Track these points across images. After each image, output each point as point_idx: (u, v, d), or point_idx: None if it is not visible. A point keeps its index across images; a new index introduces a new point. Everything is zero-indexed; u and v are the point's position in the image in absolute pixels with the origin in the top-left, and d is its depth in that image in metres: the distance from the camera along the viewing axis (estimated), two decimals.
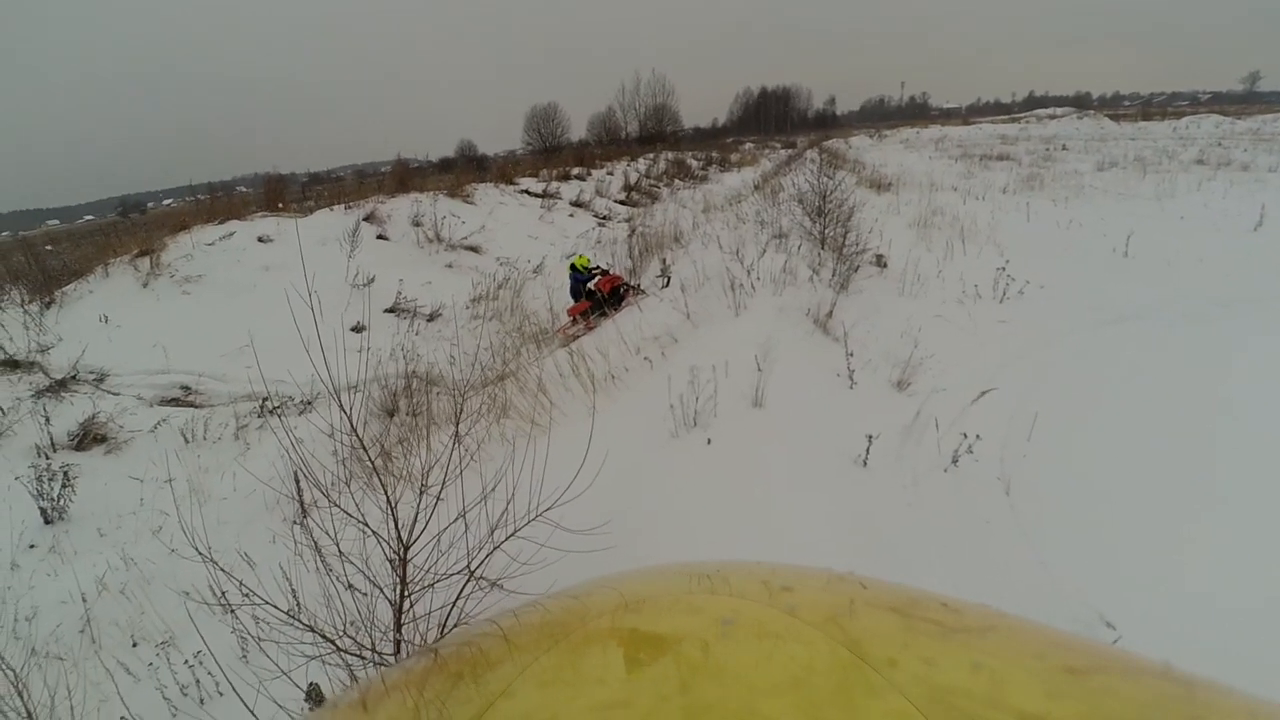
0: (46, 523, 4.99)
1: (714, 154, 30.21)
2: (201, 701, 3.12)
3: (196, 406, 7.10)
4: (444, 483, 2.49)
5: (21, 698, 2.67)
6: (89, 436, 6.10)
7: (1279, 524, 3.28)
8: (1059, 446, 4.14)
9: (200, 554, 2.38)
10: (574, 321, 7.87)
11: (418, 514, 2.54)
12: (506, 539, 2.48)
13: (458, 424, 2.68)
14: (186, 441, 6.35)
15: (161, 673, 3.23)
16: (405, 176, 17.22)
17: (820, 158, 16.37)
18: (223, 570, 2.53)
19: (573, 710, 0.59)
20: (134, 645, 3.89)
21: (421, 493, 2.57)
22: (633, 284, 7.98)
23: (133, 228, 13.52)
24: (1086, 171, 15.23)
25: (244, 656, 3.25)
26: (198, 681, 3.15)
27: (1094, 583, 3.18)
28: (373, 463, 2.59)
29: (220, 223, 11.74)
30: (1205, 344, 5.31)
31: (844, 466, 3.60)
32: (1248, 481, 3.64)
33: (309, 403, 6.77)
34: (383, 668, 2.15)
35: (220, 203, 13.97)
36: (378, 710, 0.74)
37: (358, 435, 2.46)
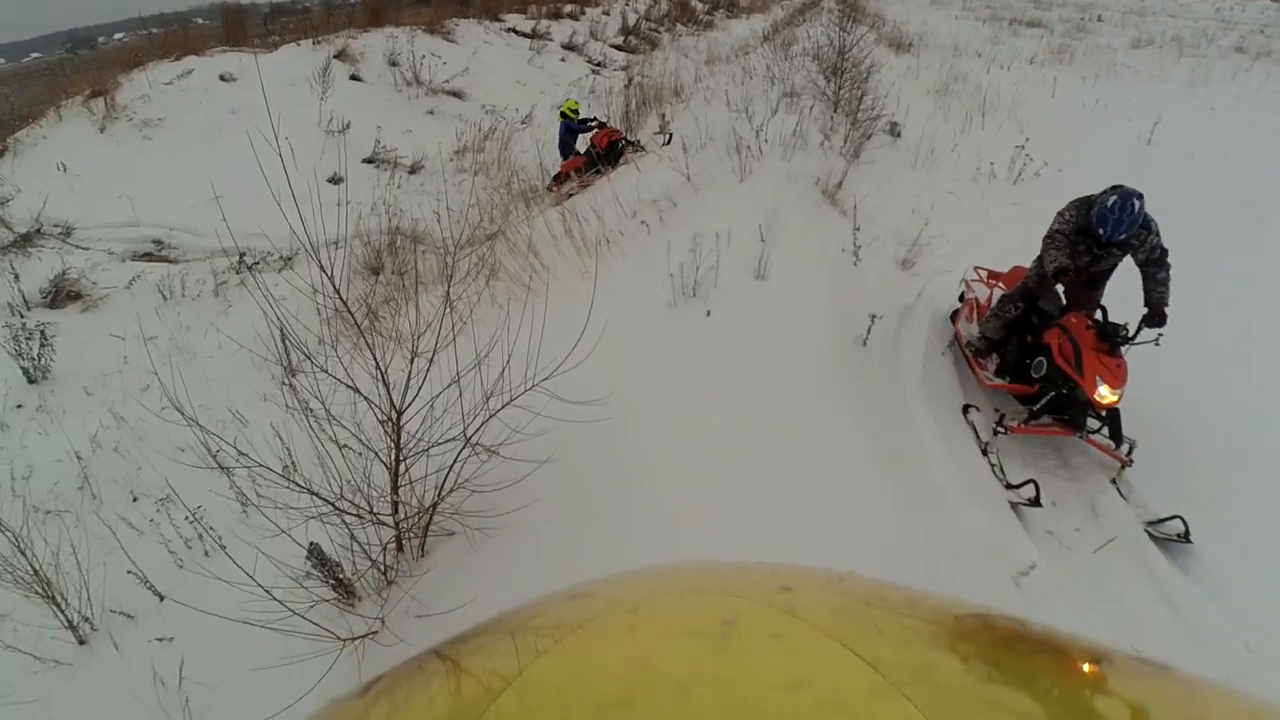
0: (30, 382, 4.92)
1: None
2: (206, 554, 3.21)
3: (171, 261, 6.82)
4: (435, 349, 2.39)
5: (25, 556, 2.71)
6: (62, 294, 5.88)
7: None
8: None
9: (186, 419, 2.31)
10: (567, 178, 7.43)
11: (410, 379, 2.47)
12: (503, 407, 2.43)
13: (449, 287, 2.53)
14: (165, 298, 6.16)
15: (164, 528, 3.30)
16: (379, 8, 15.46)
17: (839, 8, 14.88)
18: (212, 434, 2.48)
19: (572, 712, 0.58)
20: (134, 500, 3.96)
21: (413, 358, 2.47)
22: (631, 140, 7.45)
23: (83, 65, 12.23)
24: (1120, 48, 14.03)
25: (244, 513, 3.31)
26: (200, 536, 3.22)
27: None
28: (359, 326, 2.46)
29: (177, 59, 10.63)
30: (1221, 245, 5.06)
31: (845, 346, 3.54)
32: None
33: (288, 259, 6.50)
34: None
35: (175, 37, 12.59)
36: (379, 703, 0.74)
37: (341, 298, 2.31)
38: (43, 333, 4.99)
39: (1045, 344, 3.36)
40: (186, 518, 3.25)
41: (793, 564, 0.81)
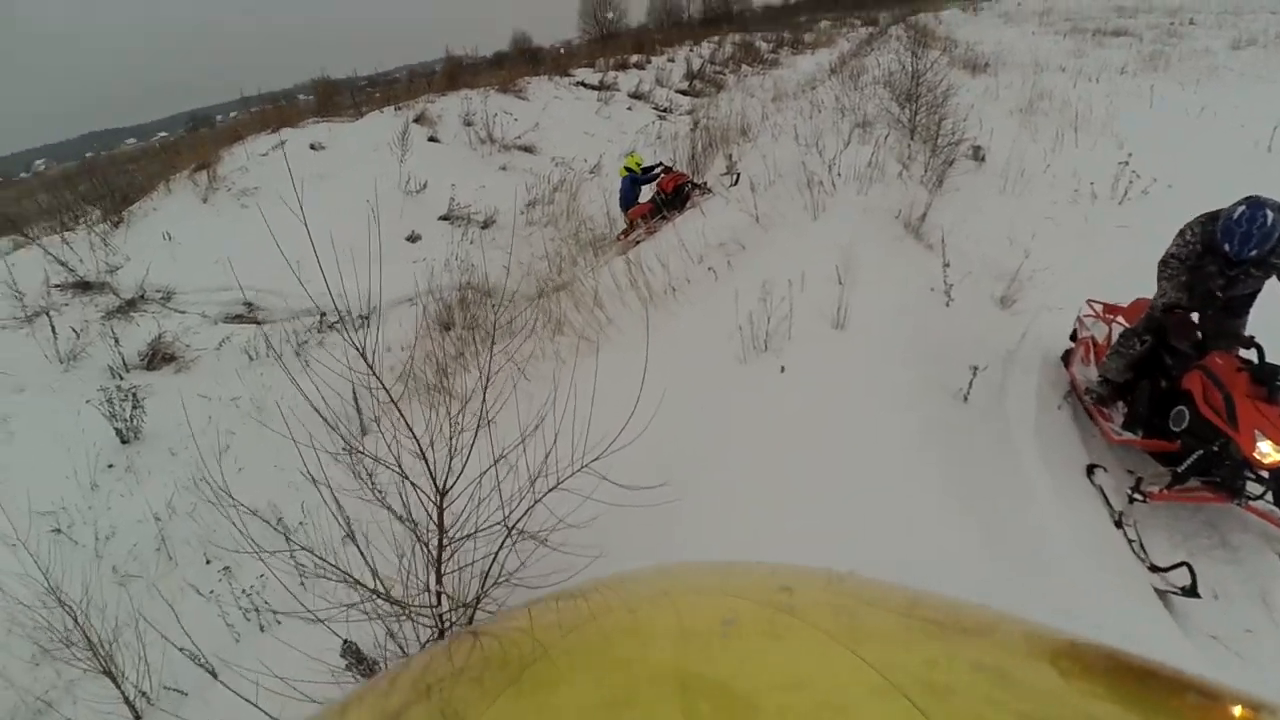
0: (123, 442, 5.17)
1: (785, 34, 27.48)
2: (261, 629, 3.13)
3: (259, 323, 7.16)
4: (477, 430, 2.20)
5: (84, 632, 2.69)
6: (158, 356, 6.24)
7: None
8: None
9: (223, 505, 2.22)
10: (633, 226, 7.32)
11: (452, 457, 2.28)
12: (548, 492, 2.19)
13: (489, 359, 2.35)
14: (250, 359, 6.43)
15: (223, 599, 3.26)
16: (456, 73, 16.41)
17: (907, 34, 14.44)
18: (253, 514, 2.40)
19: (574, 711, 0.57)
20: (207, 563, 3.99)
21: (452, 435, 2.30)
22: (698, 183, 7.28)
23: (195, 142, 13.57)
24: (1220, 50, 12.85)
25: (302, 583, 3.23)
26: (257, 610, 3.15)
27: None
28: (397, 406, 2.31)
29: (273, 131, 11.55)
30: None
31: (941, 401, 3.10)
32: None
33: (365, 317, 6.67)
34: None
35: (274, 112, 13.77)
36: (394, 693, 0.77)
37: (378, 377, 2.17)
38: (135, 395, 5.25)
39: (1185, 390, 2.82)
40: (243, 590, 3.20)
41: (793, 564, 0.80)
